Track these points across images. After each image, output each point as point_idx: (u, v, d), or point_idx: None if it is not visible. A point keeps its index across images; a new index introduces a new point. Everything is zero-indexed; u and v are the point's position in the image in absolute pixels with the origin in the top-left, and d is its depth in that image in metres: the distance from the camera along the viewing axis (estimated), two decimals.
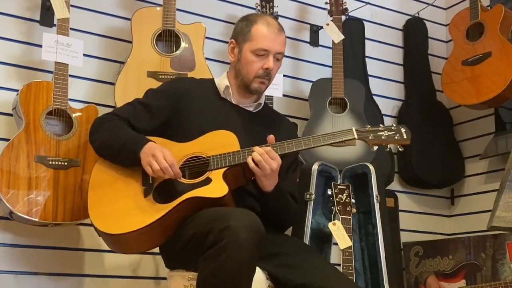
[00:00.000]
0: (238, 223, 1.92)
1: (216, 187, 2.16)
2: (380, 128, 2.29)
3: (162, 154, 2.16)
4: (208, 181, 2.19)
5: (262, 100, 2.51)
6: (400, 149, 2.31)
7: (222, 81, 2.49)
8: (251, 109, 2.50)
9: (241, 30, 2.46)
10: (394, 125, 2.33)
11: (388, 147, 2.34)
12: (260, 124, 2.47)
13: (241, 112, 2.46)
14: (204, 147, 2.27)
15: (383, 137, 2.27)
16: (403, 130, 2.29)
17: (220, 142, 2.26)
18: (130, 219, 2.13)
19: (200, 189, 2.16)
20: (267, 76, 2.42)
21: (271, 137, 2.26)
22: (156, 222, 2.12)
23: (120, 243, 2.20)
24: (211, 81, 2.55)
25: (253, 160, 2.19)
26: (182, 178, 2.20)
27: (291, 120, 3.41)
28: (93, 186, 2.28)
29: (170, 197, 2.15)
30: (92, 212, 2.22)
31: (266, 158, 2.18)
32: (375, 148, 2.30)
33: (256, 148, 2.20)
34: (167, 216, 2.13)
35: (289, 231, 3.05)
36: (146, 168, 2.17)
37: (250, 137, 2.34)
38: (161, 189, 2.19)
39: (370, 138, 2.27)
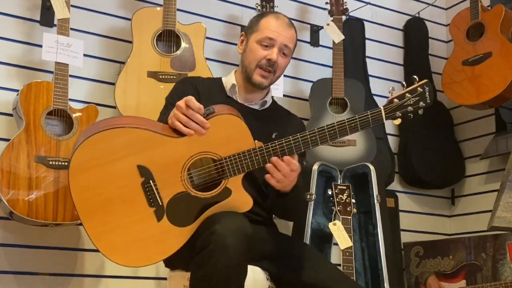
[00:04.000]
0: (224, 228, 1.89)
1: (240, 200, 2.04)
2: (406, 98, 2.10)
3: (181, 103, 2.00)
4: (227, 192, 2.04)
5: (268, 98, 2.45)
6: (419, 113, 2.12)
7: (229, 80, 2.45)
8: (256, 107, 2.44)
9: (251, 24, 2.45)
10: (419, 86, 2.11)
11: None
12: (266, 122, 2.40)
13: (246, 111, 2.37)
14: (210, 142, 2.03)
15: (409, 109, 2.10)
16: (427, 89, 2.11)
17: (229, 134, 2.04)
18: (153, 249, 2.00)
19: (221, 205, 2.02)
20: (269, 67, 2.34)
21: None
22: (179, 248, 2.02)
23: None
24: (219, 80, 2.50)
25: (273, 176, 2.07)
26: (195, 191, 2.03)
27: None
28: (85, 213, 1.98)
29: (187, 216, 2.01)
30: (101, 245, 1.99)
31: (286, 173, 2.07)
32: (397, 121, 2.12)
33: (275, 162, 2.05)
34: (190, 238, 2.02)
35: (289, 231, 3.05)
36: (175, 124, 1.99)
37: (255, 136, 2.22)
38: (174, 207, 2.01)
39: (397, 115, 2.11)
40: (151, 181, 2.00)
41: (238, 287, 1.93)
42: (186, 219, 2.01)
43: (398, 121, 2.12)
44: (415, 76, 2.13)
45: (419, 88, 2.11)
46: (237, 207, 2.04)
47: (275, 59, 2.34)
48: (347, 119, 2.09)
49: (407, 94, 2.11)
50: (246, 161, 2.04)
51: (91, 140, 1.99)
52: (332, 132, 2.08)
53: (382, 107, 2.11)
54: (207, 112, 2.03)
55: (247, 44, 2.40)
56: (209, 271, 1.88)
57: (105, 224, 1.98)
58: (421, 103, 2.11)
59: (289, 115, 2.55)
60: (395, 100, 2.11)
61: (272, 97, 2.52)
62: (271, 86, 2.48)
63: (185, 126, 1.99)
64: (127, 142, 2.00)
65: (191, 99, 2.00)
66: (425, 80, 2.12)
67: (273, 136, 2.36)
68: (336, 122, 2.08)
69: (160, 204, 2.00)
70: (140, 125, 2.03)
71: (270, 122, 2.41)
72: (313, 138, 2.07)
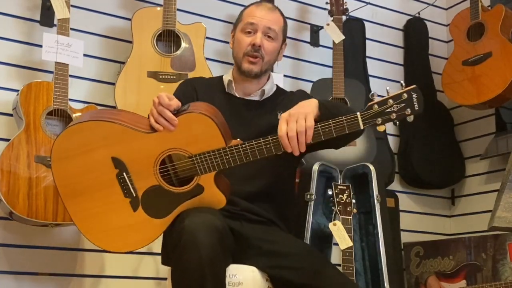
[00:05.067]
0: (192, 223, 1.92)
1: (212, 197, 2.07)
2: (388, 104, 1.99)
3: (155, 99, 2.05)
4: (199, 189, 2.07)
5: (267, 87, 2.41)
6: (409, 120, 2.00)
7: (226, 77, 2.44)
8: (256, 98, 2.41)
9: (236, 19, 2.46)
10: (404, 92, 1.99)
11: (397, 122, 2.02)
12: (269, 109, 2.38)
13: (246, 104, 2.38)
14: (181, 138, 2.04)
15: (392, 116, 1.99)
16: (414, 96, 1.99)
17: (198, 132, 2.04)
18: (131, 237, 2.08)
19: (194, 201, 2.06)
20: (255, 52, 2.32)
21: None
22: (156, 238, 2.10)
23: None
24: (219, 78, 2.49)
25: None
26: (167, 185, 2.07)
27: None
28: (67, 199, 2.09)
29: (162, 209, 2.07)
30: (84, 229, 2.10)
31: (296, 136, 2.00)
32: (382, 128, 2.01)
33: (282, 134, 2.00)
34: (165, 230, 2.09)
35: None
36: (149, 119, 2.05)
37: (258, 127, 2.26)
38: (148, 199, 2.07)
39: (378, 122, 1.99)
40: (124, 173, 2.07)
41: (216, 282, 1.93)
42: (161, 212, 2.07)
43: (381, 128, 2.00)
44: (401, 82, 2.03)
45: (404, 94, 1.99)
46: (210, 204, 2.06)
47: (259, 42, 2.32)
48: (320, 123, 2.02)
49: (389, 101, 1.99)
50: (216, 160, 2.04)
51: (70, 130, 2.10)
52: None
53: (358, 113, 2.00)
54: (181, 109, 2.06)
55: (234, 38, 2.41)
56: (183, 268, 1.91)
57: (86, 210, 2.07)
58: (408, 109, 1.99)
59: (290, 93, 2.51)
60: (375, 106, 1.99)
61: (277, 85, 2.50)
62: (274, 75, 2.46)
63: (156, 121, 2.04)
64: (103, 134, 2.07)
65: (162, 95, 2.04)
66: (412, 86, 2.00)
67: (279, 116, 2.28)
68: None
69: (135, 195, 2.07)
70: (118, 120, 2.09)
71: (274, 108, 2.38)
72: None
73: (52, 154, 2.08)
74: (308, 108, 2.06)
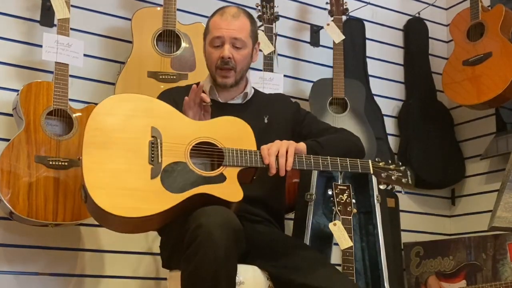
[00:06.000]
0: (209, 220, 1.91)
1: (232, 189, 2.09)
2: (391, 167, 2.30)
3: None
4: (222, 178, 2.10)
5: (248, 89, 2.47)
6: (402, 192, 2.45)
7: (206, 83, 2.47)
8: (239, 101, 2.46)
9: (205, 28, 2.47)
10: (402, 166, 2.34)
11: (394, 187, 2.37)
12: (253, 112, 2.42)
13: (230, 108, 2.41)
14: (218, 133, 2.17)
15: (393, 178, 2.28)
16: (409, 173, 2.31)
17: (234, 132, 2.19)
18: (136, 203, 2.01)
19: (214, 187, 2.07)
20: (226, 65, 2.36)
21: None
22: (163, 212, 2.03)
23: (112, 221, 2.07)
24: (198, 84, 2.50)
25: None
26: (193, 166, 2.10)
27: None
28: (87, 147, 2.07)
29: (180, 185, 2.05)
30: (88, 179, 2.02)
31: (281, 163, 2.15)
32: (383, 187, 2.33)
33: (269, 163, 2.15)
34: (175, 207, 2.04)
35: (289, 231, 3.05)
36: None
37: None
38: (170, 172, 2.07)
39: (382, 176, 2.27)
40: (158, 141, 2.11)
41: (228, 280, 1.93)
42: (176, 186, 2.06)
43: (382, 187, 2.33)
44: (399, 162, 2.38)
45: (402, 167, 2.32)
46: (226, 194, 2.07)
47: (227, 55, 2.35)
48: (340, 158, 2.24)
49: (391, 166, 2.31)
50: (246, 157, 2.13)
51: (125, 95, 2.32)
52: (325, 163, 2.21)
53: (370, 160, 2.29)
54: None
55: (205, 50, 2.44)
56: (198, 265, 1.90)
57: (101, 162, 2.06)
58: (403, 179, 2.29)
59: (271, 96, 2.59)
60: (382, 162, 2.30)
61: (253, 87, 2.54)
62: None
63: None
64: (151, 107, 2.20)
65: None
66: (409, 167, 2.37)
67: (266, 120, 2.41)
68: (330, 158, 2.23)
69: (159, 162, 2.07)
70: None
71: (258, 110, 2.44)
72: (308, 162, 2.19)
73: (96, 108, 2.15)
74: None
